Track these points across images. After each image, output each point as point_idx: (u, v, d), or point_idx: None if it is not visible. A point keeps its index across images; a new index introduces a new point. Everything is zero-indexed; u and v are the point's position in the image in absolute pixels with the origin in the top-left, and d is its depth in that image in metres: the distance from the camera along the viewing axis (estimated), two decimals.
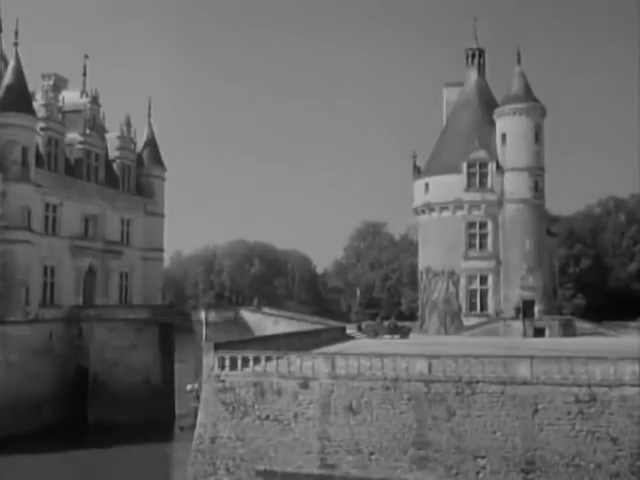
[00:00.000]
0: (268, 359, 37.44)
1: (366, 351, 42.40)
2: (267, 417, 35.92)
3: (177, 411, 71.13)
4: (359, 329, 77.53)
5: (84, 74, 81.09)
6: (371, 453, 34.31)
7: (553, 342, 60.26)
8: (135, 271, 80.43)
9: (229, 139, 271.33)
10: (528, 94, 77.58)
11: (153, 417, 66.20)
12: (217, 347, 38.10)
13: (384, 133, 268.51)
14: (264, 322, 69.06)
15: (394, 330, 69.65)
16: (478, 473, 33.05)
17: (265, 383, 36.35)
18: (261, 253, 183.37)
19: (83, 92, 78.42)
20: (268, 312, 74.27)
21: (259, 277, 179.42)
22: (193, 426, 39.09)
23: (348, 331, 72.04)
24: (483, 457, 33.13)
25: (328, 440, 34.90)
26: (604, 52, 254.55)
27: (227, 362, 37.17)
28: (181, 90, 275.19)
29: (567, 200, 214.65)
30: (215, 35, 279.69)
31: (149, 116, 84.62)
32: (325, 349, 48.20)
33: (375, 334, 68.86)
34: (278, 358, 37.22)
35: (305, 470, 34.74)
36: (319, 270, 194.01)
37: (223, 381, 36.99)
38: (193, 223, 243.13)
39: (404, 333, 68.83)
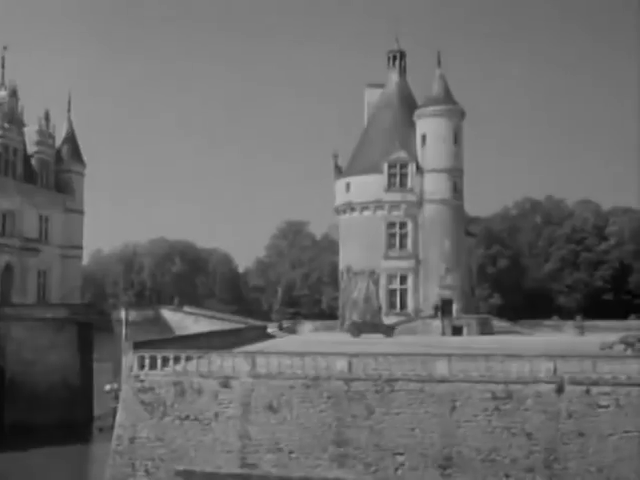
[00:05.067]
0: (188, 358, 37.32)
1: (287, 350, 42.56)
2: (187, 417, 35.77)
3: (96, 412, 70.23)
4: (280, 328, 77.75)
5: (2, 66, 79.26)
6: (291, 452, 34.46)
7: (470, 340, 61.31)
8: (53, 269, 79.12)
9: (150, 137, 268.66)
10: (448, 97, 78.70)
11: (71, 418, 65.23)
12: (137, 346, 37.81)
13: (306, 132, 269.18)
14: (185, 321, 68.72)
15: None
16: (397, 470, 33.49)
17: (185, 382, 36.20)
18: (182, 251, 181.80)
19: (1, 85, 76.70)
20: (189, 311, 73.94)
21: (180, 276, 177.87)
22: (112, 427, 38.72)
23: (269, 330, 72.18)
24: (402, 454, 33.58)
25: (248, 439, 34.94)
26: (522, 55, 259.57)
27: (147, 362, 36.93)
28: (101, 86, 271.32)
29: (485, 201, 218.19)
30: (137, 30, 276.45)
31: (69, 111, 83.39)
32: (246, 348, 48.22)
33: (358, 332, 68.40)
34: (199, 357, 37.13)
35: (225, 470, 34.71)
36: (241, 269, 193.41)
37: (143, 381, 36.71)
38: (113, 221, 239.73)
39: (389, 332, 68.49)
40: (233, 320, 73.57)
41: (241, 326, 66.57)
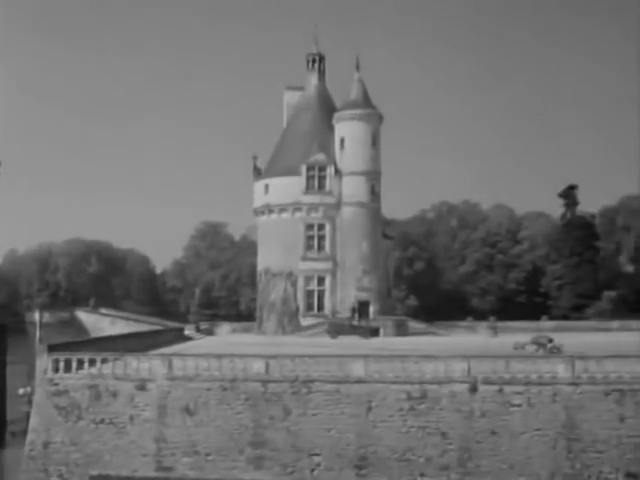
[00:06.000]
0: (104, 361, 36.90)
1: (204, 352, 42.44)
2: (102, 420, 35.40)
3: (9, 416, 68.58)
4: (197, 329, 77.38)
5: None
6: (208, 454, 34.39)
7: (387, 341, 61.92)
8: None
9: (66, 135, 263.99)
10: (366, 100, 79.35)
11: None
12: (51, 349, 37.25)
13: (226, 133, 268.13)
14: (101, 323, 67.98)
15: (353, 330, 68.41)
16: (313, 470, 33.74)
17: (101, 386, 35.81)
18: (98, 252, 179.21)
19: None
20: (105, 313, 73.17)
21: (96, 276, 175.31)
22: (25, 431, 38.00)
23: (186, 332, 71.80)
24: (318, 454, 33.86)
25: (164, 442, 34.75)
26: (441, 58, 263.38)
27: (61, 364, 36.43)
28: (11, 81, 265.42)
29: (402, 204, 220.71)
30: (51, 20, 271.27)
31: None
32: (163, 350, 47.94)
33: (336, 334, 68.23)
34: (114, 360, 36.78)
35: (140, 473, 34.46)
36: (158, 270, 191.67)
37: (57, 384, 36.19)
38: (29, 220, 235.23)
39: (366, 334, 68.42)
40: (150, 322, 73.03)
41: (158, 328, 66.11)
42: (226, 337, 73.81)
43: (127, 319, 70.75)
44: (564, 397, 33.60)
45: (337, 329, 69.60)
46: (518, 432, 33.40)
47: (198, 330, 77.80)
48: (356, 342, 60.58)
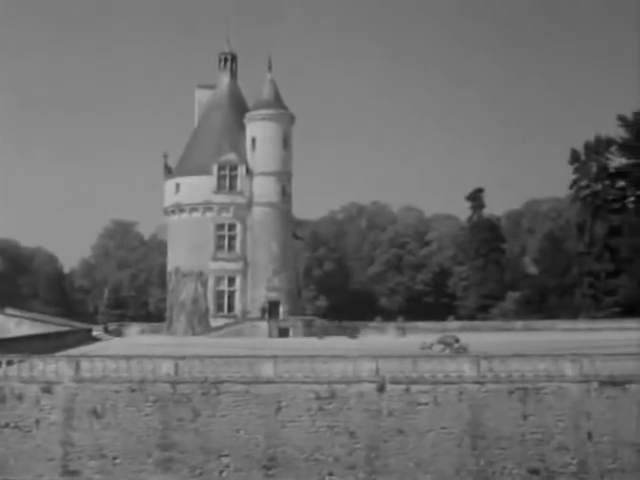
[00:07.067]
0: (9, 363, 36.15)
1: (112, 353, 41.97)
2: (7, 424, 34.70)
3: None
4: (106, 330, 76.45)
5: None
6: (115, 457, 34.04)
7: (297, 342, 62.25)
8: None
9: None
10: (277, 101, 79.73)
11: None
12: None
13: (137, 131, 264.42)
14: (6, 324, 66.43)
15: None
16: (222, 472, 33.74)
17: (6, 388, 35.10)
18: (4, 250, 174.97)
19: None
20: (11, 313, 71.41)
21: (2, 275, 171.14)
22: None
23: (94, 332, 70.85)
24: (227, 456, 33.88)
25: (71, 446, 34.26)
26: (351, 60, 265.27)
27: None
28: None
29: (313, 205, 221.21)
30: None
31: None
32: (70, 352, 47.23)
33: (323, 334, 68.03)
34: (20, 362, 36.09)
35: (46, 478, 33.94)
36: (66, 269, 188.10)
37: None
38: None
39: (353, 333, 68.41)
40: (57, 322, 71.68)
41: (65, 329, 65.05)
42: (135, 338, 73.06)
43: (34, 320, 69.27)
44: (469, 396, 34.37)
45: (324, 329, 70.27)
46: (425, 430, 34.03)
47: (106, 331, 76.85)
48: (266, 342, 60.71)
